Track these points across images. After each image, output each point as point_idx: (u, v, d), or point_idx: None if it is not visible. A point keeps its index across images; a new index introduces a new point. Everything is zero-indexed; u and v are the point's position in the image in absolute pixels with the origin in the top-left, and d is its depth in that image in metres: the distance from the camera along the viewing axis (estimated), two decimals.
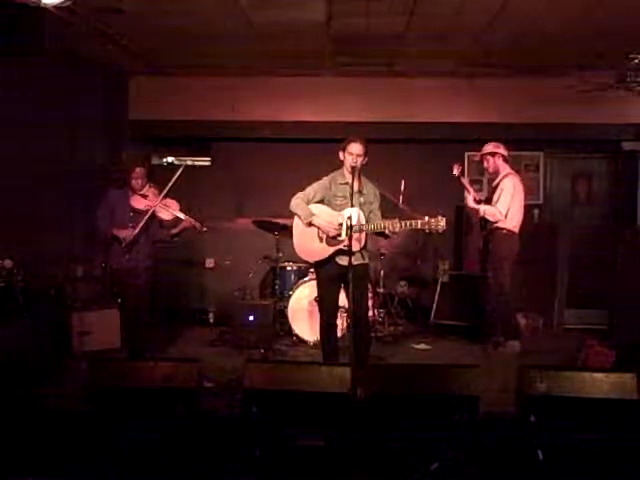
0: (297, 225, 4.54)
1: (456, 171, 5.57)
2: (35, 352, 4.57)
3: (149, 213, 4.79)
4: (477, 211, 5.65)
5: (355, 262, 4.30)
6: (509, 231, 5.53)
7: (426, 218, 4.01)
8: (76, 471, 3.04)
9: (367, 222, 4.32)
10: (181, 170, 4.78)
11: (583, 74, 6.51)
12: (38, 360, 4.50)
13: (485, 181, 7.02)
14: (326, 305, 4.49)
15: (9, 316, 4.78)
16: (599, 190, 7.54)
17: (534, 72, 6.69)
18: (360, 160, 4.30)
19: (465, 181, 5.74)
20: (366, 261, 4.47)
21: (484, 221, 5.74)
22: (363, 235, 4.26)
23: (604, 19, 4.97)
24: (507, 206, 5.49)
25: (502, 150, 5.67)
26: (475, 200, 5.71)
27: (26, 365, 4.36)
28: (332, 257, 4.37)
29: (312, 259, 4.55)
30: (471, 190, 5.71)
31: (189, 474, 3.06)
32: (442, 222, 3.97)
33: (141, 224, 4.76)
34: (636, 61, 5.67)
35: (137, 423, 3.05)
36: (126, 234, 4.80)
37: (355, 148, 4.30)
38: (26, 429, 3.36)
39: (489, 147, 5.69)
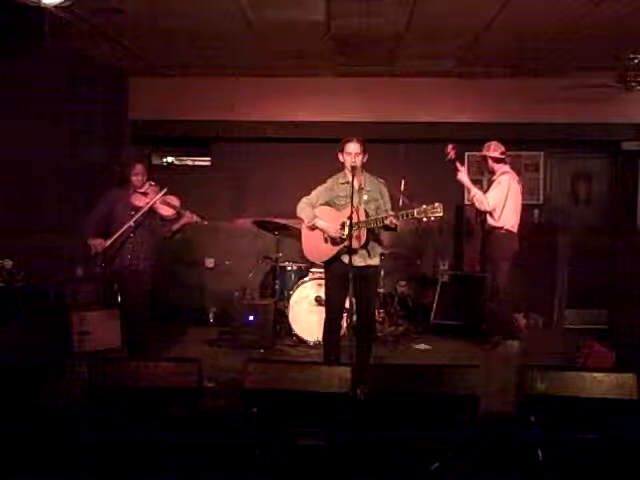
0: (304, 228, 4.57)
1: (451, 152, 5.48)
2: (35, 352, 4.56)
3: (138, 215, 4.73)
4: (469, 190, 5.65)
5: (361, 263, 4.31)
6: (507, 231, 5.55)
7: (423, 206, 4.03)
8: (76, 471, 3.04)
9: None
10: (163, 192, 4.77)
11: (583, 74, 6.52)
12: (38, 360, 4.50)
13: (485, 181, 7.01)
14: (331, 305, 4.49)
15: (9, 316, 4.78)
16: (599, 190, 7.54)
17: (534, 72, 6.69)
18: (359, 159, 4.31)
19: (460, 166, 5.64)
20: (374, 262, 4.46)
21: (483, 221, 5.75)
22: (363, 232, 4.26)
23: (604, 19, 4.97)
24: (497, 201, 5.50)
25: (502, 149, 5.69)
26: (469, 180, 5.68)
27: (26, 365, 4.36)
28: (338, 256, 4.38)
29: (319, 260, 4.58)
30: (463, 170, 5.65)
31: (189, 474, 3.06)
32: (439, 208, 3.97)
33: (116, 235, 4.68)
34: (636, 61, 5.67)
35: (137, 423, 3.05)
36: (97, 244, 4.70)
37: (352, 147, 4.31)
38: (26, 429, 3.35)
39: (497, 151, 5.68)
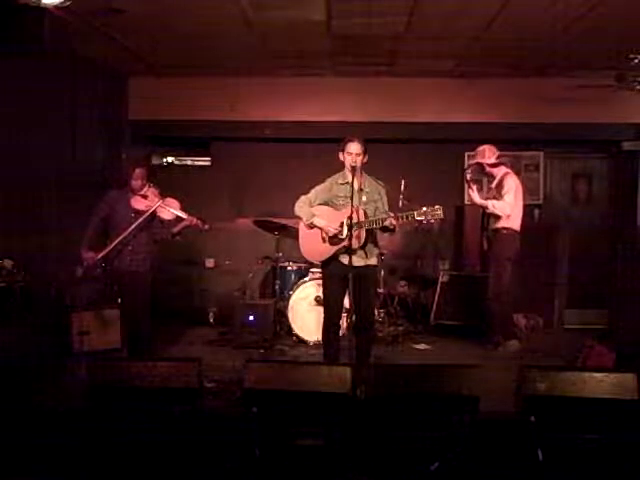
0: (302, 227, 4.57)
1: (469, 175, 5.74)
2: (35, 352, 4.56)
3: (135, 224, 4.74)
4: (485, 207, 5.64)
5: (360, 263, 4.31)
6: (512, 231, 5.55)
7: (424, 208, 4.03)
8: (76, 471, 3.04)
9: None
10: (158, 203, 4.78)
11: (583, 74, 6.52)
12: (38, 360, 4.50)
13: (485, 182, 7.01)
14: (330, 305, 4.50)
15: (9, 316, 4.78)
16: (599, 190, 7.54)
17: (534, 72, 6.69)
18: (359, 159, 4.31)
19: (472, 185, 5.72)
20: (372, 262, 4.46)
21: (486, 221, 5.74)
22: (362, 233, 4.26)
23: (604, 19, 4.97)
24: (513, 204, 5.51)
25: (497, 153, 5.68)
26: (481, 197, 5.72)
27: (26, 365, 4.36)
28: (336, 256, 4.38)
29: (317, 259, 4.59)
30: (475, 190, 5.69)
31: (189, 474, 3.06)
32: (439, 211, 3.99)
33: (111, 246, 4.71)
34: (636, 61, 5.66)
35: (137, 423, 3.05)
36: (88, 257, 4.73)
37: (353, 147, 4.31)
38: (26, 429, 3.35)
39: (491, 157, 5.66)
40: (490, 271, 5.79)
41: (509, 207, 5.50)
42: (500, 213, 5.55)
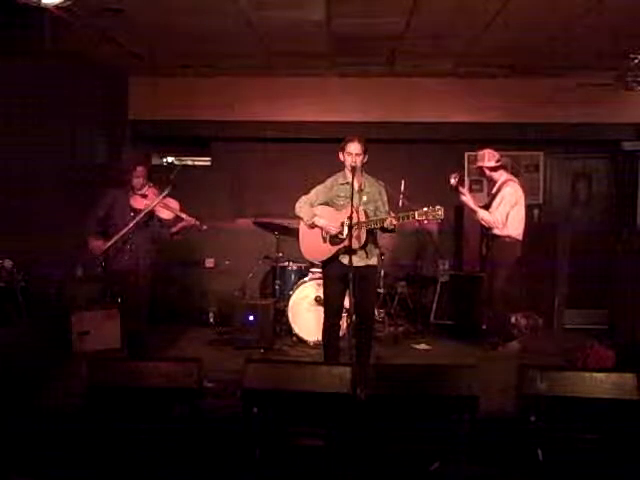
0: (302, 227, 4.58)
1: (453, 181, 5.55)
2: (35, 352, 4.57)
3: (138, 217, 4.73)
4: (475, 212, 5.63)
5: (360, 263, 4.31)
6: (512, 238, 5.51)
7: (424, 209, 4.04)
8: (76, 471, 3.04)
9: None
10: (176, 171, 4.74)
11: (583, 74, 6.52)
12: (38, 360, 4.50)
13: (485, 182, 7.01)
14: (330, 305, 4.50)
15: (9, 316, 4.78)
16: (599, 190, 7.54)
17: (534, 72, 6.69)
18: (359, 159, 4.31)
19: (462, 190, 5.64)
20: (372, 262, 4.46)
21: (486, 227, 5.73)
22: (363, 233, 4.26)
23: (604, 19, 4.97)
24: (506, 215, 5.48)
25: (497, 157, 5.66)
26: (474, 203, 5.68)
27: (26, 365, 4.36)
28: (336, 257, 4.38)
29: (317, 259, 4.60)
30: (467, 194, 5.65)
31: (189, 474, 3.06)
32: (440, 211, 4.00)
33: (114, 240, 4.69)
34: (636, 61, 5.66)
35: (137, 423, 3.05)
36: (95, 247, 4.72)
37: (353, 147, 4.31)
38: (26, 429, 3.35)
39: (492, 160, 5.64)
40: (487, 274, 5.78)
41: (499, 220, 5.46)
42: (487, 225, 5.55)
